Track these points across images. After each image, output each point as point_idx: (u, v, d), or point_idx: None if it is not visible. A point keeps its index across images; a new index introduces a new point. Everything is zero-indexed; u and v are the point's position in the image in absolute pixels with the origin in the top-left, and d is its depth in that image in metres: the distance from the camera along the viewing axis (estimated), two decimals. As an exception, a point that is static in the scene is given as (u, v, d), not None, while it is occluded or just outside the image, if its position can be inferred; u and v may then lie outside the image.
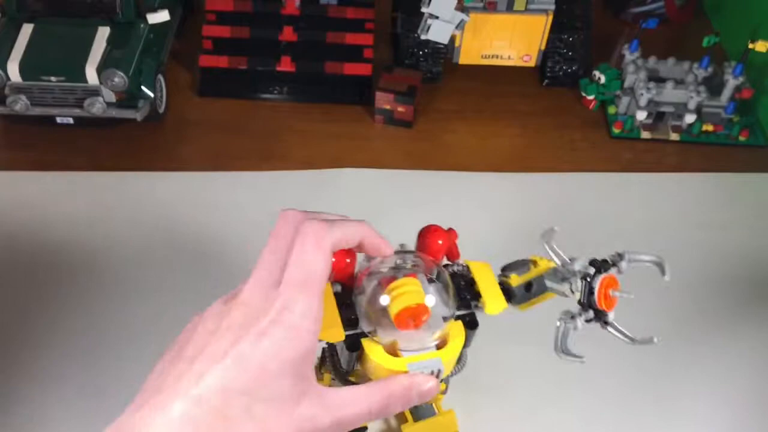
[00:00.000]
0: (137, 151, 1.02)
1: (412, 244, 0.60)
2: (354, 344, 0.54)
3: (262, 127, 1.07)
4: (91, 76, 0.95)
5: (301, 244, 0.49)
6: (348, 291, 0.56)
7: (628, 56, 1.09)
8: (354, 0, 1.14)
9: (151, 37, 1.03)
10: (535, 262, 0.59)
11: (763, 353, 0.83)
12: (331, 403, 0.48)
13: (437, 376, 0.54)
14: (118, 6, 1.00)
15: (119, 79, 0.95)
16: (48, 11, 1.00)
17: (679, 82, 1.05)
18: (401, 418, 0.73)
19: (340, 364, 0.59)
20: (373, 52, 1.12)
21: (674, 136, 1.07)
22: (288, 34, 1.11)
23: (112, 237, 0.91)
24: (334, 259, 0.55)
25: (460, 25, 0.99)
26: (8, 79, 0.95)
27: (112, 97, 0.97)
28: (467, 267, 0.59)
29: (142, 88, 0.99)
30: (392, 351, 0.54)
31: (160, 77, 1.03)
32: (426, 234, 0.59)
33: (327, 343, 0.61)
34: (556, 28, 1.10)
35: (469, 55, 1.13)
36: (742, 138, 1.07)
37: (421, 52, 1.12)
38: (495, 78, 1.15)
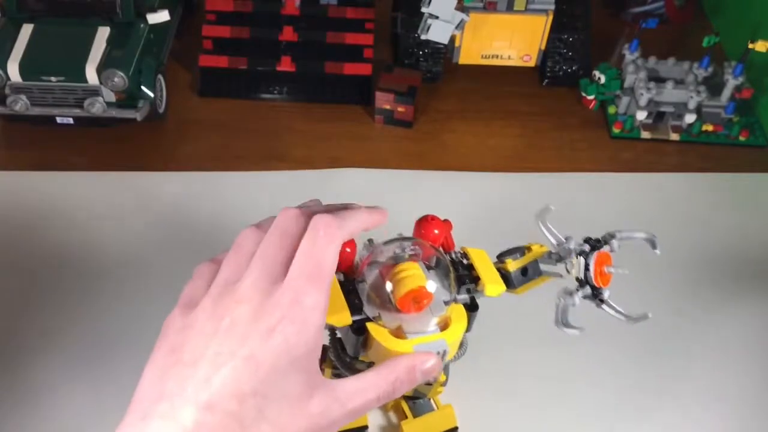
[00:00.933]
0: (137, 151, 1.02)
1: (410, 243, 0.60)
2: (360, 329, 0.55)
3: (262, 127, 1.07)
4: (91, 76, 0.95)
5: (312, 238, 0.48)
6: (350, 279, 0.57)
7: (628, 56, 1.09)
8: (354, 0, 1.14)
9: (151, 37, 1.03)
10: (529, 248, 0.62)
11: (763, 355, 0.83)
12: (341, 394, 0.48)
13: (442, 358, 0.55)
14: (118, 6, 1.00)
15: (119, 79, 0.95)
16: (48, 11, 1.00)
17: (679, 82, 1.05)
18: (401, 413, 0.73)
19: (345, 353, 0.60)
20: (373, 52, 1.12)
21: (674, 136, 1.07)
22: (288, 34, 1.11)
23: (112, 237, 0.91)
24: None
25: (460, 25, 0.99)
26: (8, 79, 0.95)
27: (112, 97, 0.98)
28: (464, 253, 0.61)
29: (142, 88, 0.99)
30: (397, 335, 0.55)
31: (160, 77, 1.03)
32: (422, 223, 0.60)
33: (329, 334, 0.61)
34: (556, 28, 1.10)
35: (469, 55, 1.13)
36: (742, 138, 1.07)
37: (421, 52, 1.12)
38: (495, 78, 1.15)
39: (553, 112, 1.12)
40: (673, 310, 0.86)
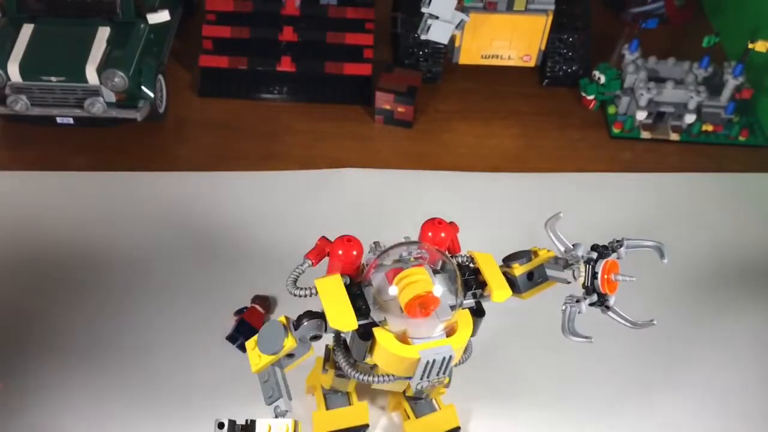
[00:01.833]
0: (137, 151, 1.02)
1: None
2: (366, 333, 0.55)
3: (262, 127, 1.07)
4: (92, 76, 0.95)
5: None
6: (356, 283, 0.57)
7: (628, 56, 1.09)
8: (354, 0, 1.14)
9: (152, 37, 1.03)
10: (535, 253, 0.62)
11: (763, 355, 0.83)
12: None
13: (448, 363, 0.55)
14: (118, 6, 1.00)
15: (119, 79, 0.95)
16: (48, 11, 1.00)
17: (679, 82, 1.05)
18: (403, 414, 0.73)
19: (350, 354, 0.60)
20: (373, 52, 1.11)
21: (674, 136, 1.07)
22: (288, 34, 1.11)
23: (112, 236, 0.91)
24: (342, 252, 0.56)
25: (460, 25, 0.99)
26: (8, 79, 0.95)
27: (112, 97, 0.97)
28: (471, 257, 0.60)
29: (143, 88, 0.99)
30: (403, 340, 0.55)
31: (160, 77, 1.03)
32: (429, 226, 0.60)
33: (334, 337, 0.61)
34: (556, 28, 1.10)
35: (469, 55, 1.13)
36: (741, 138, 1.07)
37: (421, 52, 1.12)
38: (495, 78, 1.15)
39: (553, 112, 1.12)
40: (673, 309, 0.86)
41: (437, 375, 0.57)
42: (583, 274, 0.58)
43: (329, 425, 0.70)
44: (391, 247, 0.57)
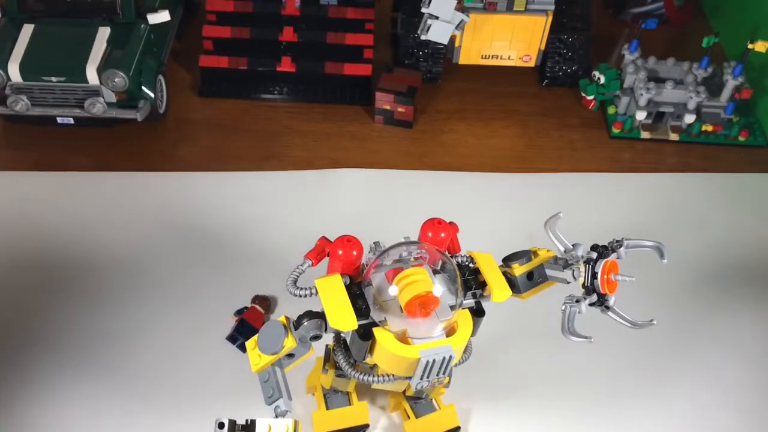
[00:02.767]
0: (137, 151, 1.02)
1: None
2: (366, 333, 0.56)
3: (262, 127, 1.07)
4: (92, 76, 0.95)
5: None
6: (356, 283, 0.57)
7: (628, 56, 1.09)
8: (354, 0, 1.14)
9: (152, 37, 1.03)
10: (535, 253, 0.62)
11: (763, 355, 0.84)
12: None
13: (448, 363, 0.55)
14: (118, 6, 1.00)
15: (120, 79, 0.96)
16: (48, 11, 1.00)
17: (679, 83, 1.06)
18: (403, 414, 0.73)
19: (350, 354, 0.60)
20: (373, 53, 1.12)
21: (674, 137, 1.07)
22: (288, 34, 1.11)
23: (112, 236, 0.91)
24: (342, 252, 0.56)
25: (460, 26, 0.99)
26: (9, 79, 0.95)
27: (112, 97, 0.98)
28: (471, 257, 0.60)
29: (143, 88, 0.99)
30: (403, 340, 0.55)
31: (161, 77, 1.03)
32: (429, 226, 0.60)
33: (334, 337, 0.61)
34: (556, 29, 1.10)
35: (469, 55, 1.13)
36: (741, 138, 1.07)
37: (421, 52, 1.12)
38: (495, 78, 1.15)
39: (553, 112, 1.12)
40: (672, 309, 0.86)
41: (437, 375, 0.57)
42: (582, 274, 0.58)
43: (329, 425, 0.70)
44: (391, 247, 0.57)
